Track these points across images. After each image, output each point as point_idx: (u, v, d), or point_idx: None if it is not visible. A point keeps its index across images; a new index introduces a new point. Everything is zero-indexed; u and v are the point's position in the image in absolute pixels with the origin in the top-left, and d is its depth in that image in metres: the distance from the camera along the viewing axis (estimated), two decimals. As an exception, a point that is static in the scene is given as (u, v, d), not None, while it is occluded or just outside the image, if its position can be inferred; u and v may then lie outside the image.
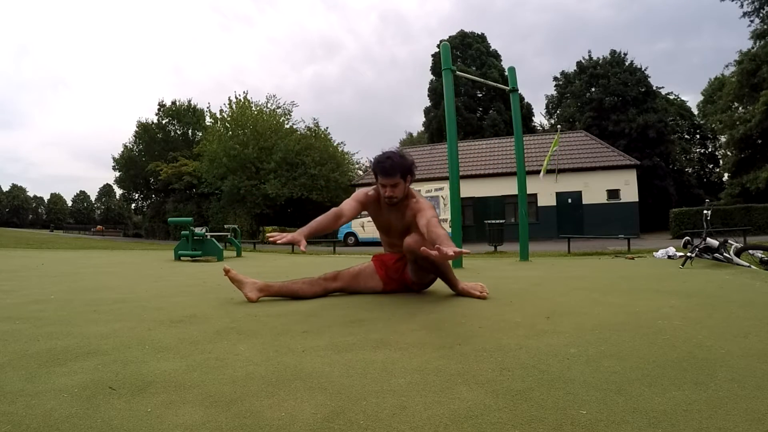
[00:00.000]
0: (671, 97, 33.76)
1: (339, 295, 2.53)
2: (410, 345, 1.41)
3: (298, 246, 1.96)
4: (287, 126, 25.01)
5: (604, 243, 10.75)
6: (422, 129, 35.23)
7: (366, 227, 17.00)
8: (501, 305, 2.08)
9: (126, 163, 33.39)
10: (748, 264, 4.02)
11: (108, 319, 1.90)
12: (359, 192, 2.48)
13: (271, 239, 1.91)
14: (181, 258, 7.33)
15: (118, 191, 46.03)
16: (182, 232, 7.60)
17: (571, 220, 17.16)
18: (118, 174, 34.78)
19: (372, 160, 2.49)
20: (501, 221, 11.06)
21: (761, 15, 21.51)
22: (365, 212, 2.54)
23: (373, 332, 1.59)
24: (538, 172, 17.38)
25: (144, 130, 32.47)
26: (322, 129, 25.91)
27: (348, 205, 2.34)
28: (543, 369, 1.14)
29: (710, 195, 28.06)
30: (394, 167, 2.26)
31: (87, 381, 1.11)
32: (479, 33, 31.90)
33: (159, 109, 33.02)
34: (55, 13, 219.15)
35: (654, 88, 28.74)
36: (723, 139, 27.20)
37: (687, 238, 4.65)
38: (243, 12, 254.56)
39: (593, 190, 17.52)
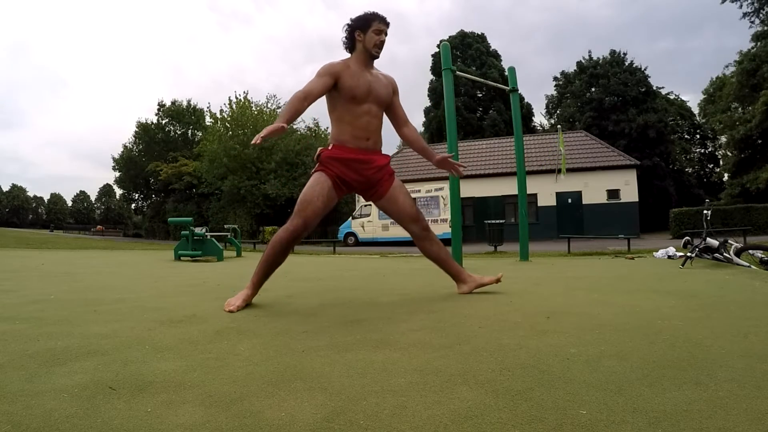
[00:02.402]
0: (671, 97, 33.79)
1: (339, 295, 2.53)
2: (410, 345, 1.41)
3: (276, 133, 1.91)
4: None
5: (604, 243, 10.74)
6: (422, 129, 35.22)
7: (366, 227, 16.94)
8: (501, 305, 2.08)
9: (126, 163, 33.38)
10: (748, 264, 4.02)
11: (108, 319, 1.90)
12: (324, 66, 2.23)
13: (255, 141, 1.88)
14: (181, 258, 7.33)
15: (118, 191, 45.99)
16: (182, 232, 7.60)
17: (571, 220, 17.14)
18: (118, 174, 34.78)
19: (353, 18, 2.30)
20: (501, 221, 11.04)
21: (761, 16, 21.52)
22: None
23: (373, 332, 1.59)
24: (538, 172, 17.51)
25: (144, 130, 32.45)
26: (323, 129, 25.94)
27: (315, 83, 2.15)
28: (543, 369, 1.14)
29: (710, 195, 28.06)
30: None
31: (87, 381, 1.11)
32: (479, 33, 31.90)
33: (159, 110, 33.01)
34: (53, 13, 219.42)
35: (654, 88, 28.77)
36: (723, 139, 27.20)
37: (687, 238, 4.65)
38: (242, 11, 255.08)
39: (593, 190, 17.51)
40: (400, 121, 2.47)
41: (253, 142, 1.83)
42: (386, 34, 2.29)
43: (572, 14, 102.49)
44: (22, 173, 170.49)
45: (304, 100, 2.09)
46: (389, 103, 2.38)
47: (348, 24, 2.29)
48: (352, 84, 2.19)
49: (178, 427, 0.85)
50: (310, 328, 1.68)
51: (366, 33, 2.25)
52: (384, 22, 2.27)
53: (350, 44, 2.29)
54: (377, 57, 2.30)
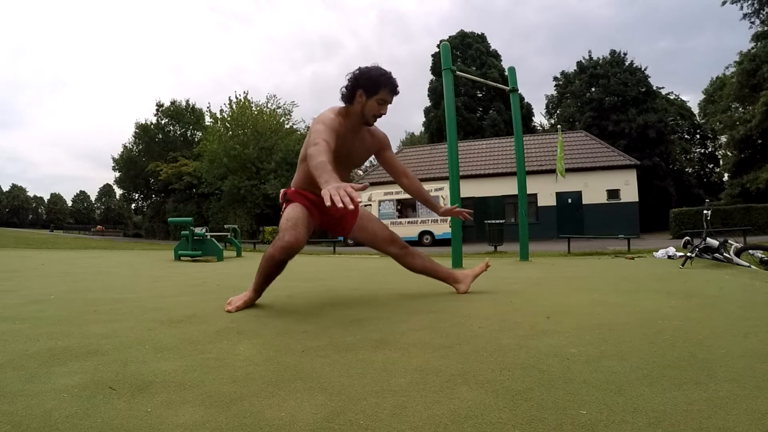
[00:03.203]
0: (671, 97, 33.80)
1: (339, 294, 2.53)
2: (410, 345, 1.40)
3: (353, 197, 1.40)
4: (287, 126, 25.01)
5: (604, 243, 10.75)
6: (422, 129, 35.22)
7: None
8: (501, 305, 2.08)
9: (126, 163, 33.41)
10: (748, 264, 4.02)
11: (108, 319, 1.90)
12: (328, 119, 1.95)
13: (345, 202, 1.37)
14: (181, 258, 7.34)
15: (118, 191, 46.09)
16: (182, 232, 7.60)
17: (571, 220, 17.15)
18: (118, 174, 34.82)
19: (362, 70, 2.04)
20: (501, 221, 11.06)
21: (761, 16, 21.54)
22: None
23: (373, 332, 1.58)
24: (538, 172, 17.50)
25: (143, 130, 32.46)
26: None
27: (330, 136, 1.86)
28: (543, 369, 1.14)
29: (710, 195, 28.07)
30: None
31: (87, 381, 1.10)
32: (479, 33, 31.91)
33: (157, 110, 32.99)
34: (51, 13, 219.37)
35: (654, 88, 28.78)
36: (723, 139, 27.23)
37: (687, 238, 4.65)
38: (242, 11, 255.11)
39: (593, 190, 17.53)
40: (398, 173, 2.36)
41: (350, 206, 1.38)
42: (389, 104, 2.07)
43: (572, 14, 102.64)
44: (22, 173, 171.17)
45: (329, 153, 1.78)
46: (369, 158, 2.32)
47: (354, 75, 2.03)
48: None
49: (178, 427, 0.85)
50: (310, 328, 1.68)
51: (369, 98, 2.01)
52: (393, 93, 2.05)
53: (348, 98, 2.04)
54: (370, 126, 2.13)
